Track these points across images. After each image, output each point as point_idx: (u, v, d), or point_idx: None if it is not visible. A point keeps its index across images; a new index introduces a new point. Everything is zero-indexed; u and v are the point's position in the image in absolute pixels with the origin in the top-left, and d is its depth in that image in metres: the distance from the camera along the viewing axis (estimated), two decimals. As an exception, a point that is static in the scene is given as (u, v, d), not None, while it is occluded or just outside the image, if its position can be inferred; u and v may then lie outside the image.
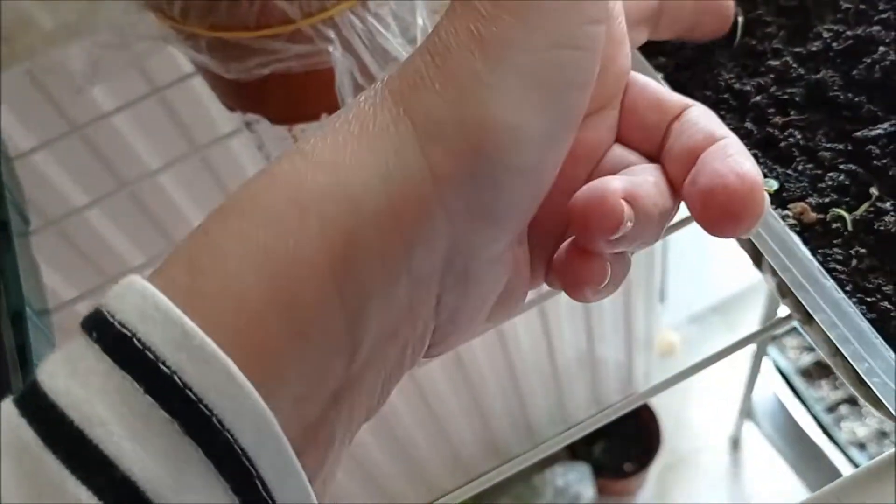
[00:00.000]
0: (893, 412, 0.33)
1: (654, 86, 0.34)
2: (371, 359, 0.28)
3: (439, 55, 0.28)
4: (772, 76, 0.43)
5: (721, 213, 0.29)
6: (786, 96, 0.42)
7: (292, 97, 0.54)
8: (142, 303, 0.25)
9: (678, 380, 0.46)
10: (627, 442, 2.01)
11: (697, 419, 2.07)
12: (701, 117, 0.33)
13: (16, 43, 0.59)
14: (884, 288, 0.37)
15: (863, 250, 0.38)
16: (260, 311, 0.25)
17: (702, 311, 2.16)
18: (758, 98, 0.43)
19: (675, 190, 0.32)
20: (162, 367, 0.24)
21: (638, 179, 0.31)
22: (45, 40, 0.57)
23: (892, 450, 0.37)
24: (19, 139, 0.75)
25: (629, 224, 0.29)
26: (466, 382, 1.44)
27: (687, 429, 2.07)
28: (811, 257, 0.37)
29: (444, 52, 0.28)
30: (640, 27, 0.37)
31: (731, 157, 0.30)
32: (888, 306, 0.37)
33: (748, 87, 0.43)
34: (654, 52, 0.45)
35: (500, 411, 1.63)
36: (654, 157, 0.34)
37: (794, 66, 0.43)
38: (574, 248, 0.31)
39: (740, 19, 0.45)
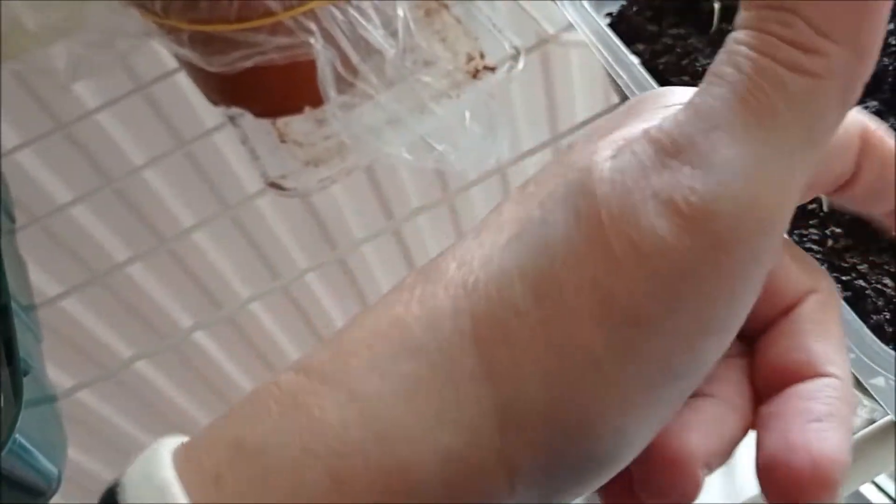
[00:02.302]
0: (868, 388, 0.34)
1: (780, 262, 0.27)
2: None
3: (548, 305, 0.21)
4: (748, 61, 0.44)
5: (776, 490, 0.24)
6: (761, 80, 0.43)
7: (275, 90, 0.55)
8: None
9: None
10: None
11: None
12: (816, 322, 0.26)
13: (3, 43, 0.59)
14: (858, 267, 0.38)
15: (838, 230, 0.39)
16: None
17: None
18: (734, 82, 0.43)
19: (753, 405, 0.26)
20: None
21: (718, 427, 0.25)
22: (32, 40, 0.57)
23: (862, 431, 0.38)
24: (4, 137, 0.75)
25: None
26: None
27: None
28: (787, 237, 0.37)
29: (553, 306, 0.21)
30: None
31: (816, 424, 0.24)
32: (863, 284, 0.37)
33: (725, 72, 0.44)
34: (632, 39, 0.46)
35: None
36: (750, 337, 0.27)
37: (770, 50, 0.44)
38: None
39: (717, 5, 0.45)
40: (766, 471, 0.24)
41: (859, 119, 0.26)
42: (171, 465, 0.22)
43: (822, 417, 0.24)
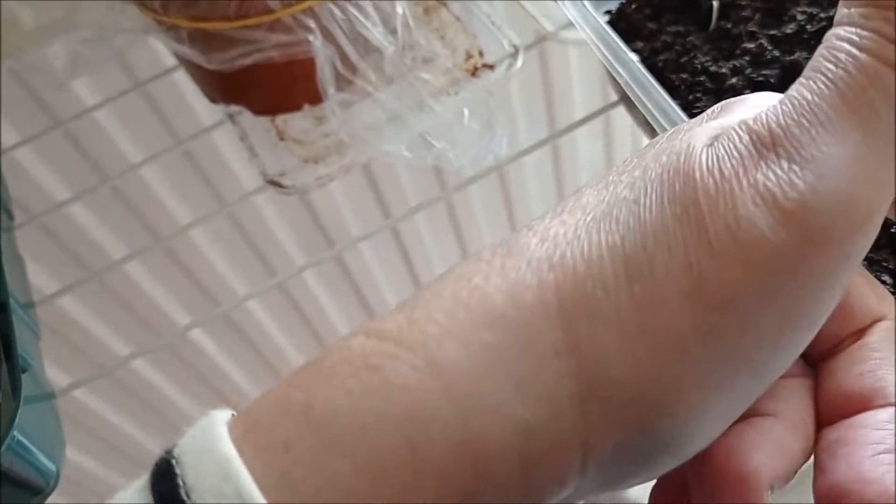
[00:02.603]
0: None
1: (852, 283, 0.26)
2: None
3: (638, 283, 0.21)
4: (747, 58, 0.44)
5: None
6: (761, 78, 0.43)
7: (274, 87, 0.55)
8: (222, 486, 0.20)
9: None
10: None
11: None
12: (886, 350, 0.26)
13: (0, 41, 0.59)
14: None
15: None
16: None
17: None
18: (733, 80, 0.43)
19: (816, 428, 0.26)
20: None
21: (782, 448, 0.25)
22: (30, 38, 0.57)
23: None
24: (2, 135, 0.75)
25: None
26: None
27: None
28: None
29: (643, 284, 0.21)
30: None
31: (887, 457, 0.23)
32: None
33: (724, 70, 0.44)
34: (631, 37, 0.46)
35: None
36: (815, 357, 0.27)
37: (769, 48, 0.44)
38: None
39: (715, 3, 0.45)
40: (833, 498, 0.23)
41: None
42: (228, 438, 0.21)
43: (881, 447, 0.23)
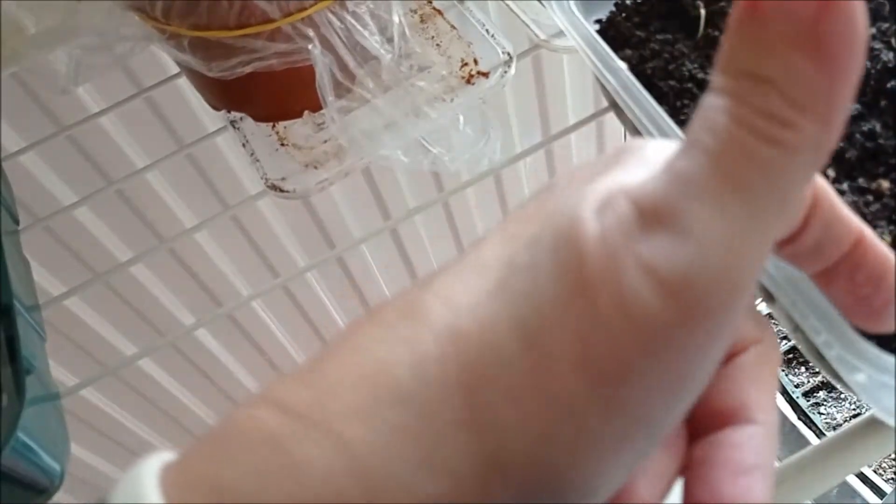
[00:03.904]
0: (845, 381, 0.35)
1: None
2: None
3: (534, 355, 0.21)
4: (733, 66, 0.45)
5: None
6: (747, 85, 0.44)
7: (274, 95, 0.55)
8: None
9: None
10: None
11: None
12: (754, 371, 0.28)
13: (3, 47, 0.59)
14: (840, 266, 0.39)
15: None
16: None
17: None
18: (720, 87, 0.44)
19: (686, 444, 0.27)
20: None
21: (659, 469, 0.27)
22: (31, 44, 0.58)
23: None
24: (8, 140, 0.76)
25: None
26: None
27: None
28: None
29: (539, 356, 0.21)
30: None
31: (744, 478, 0.25)
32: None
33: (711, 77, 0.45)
34: (620, 45, 0.46)
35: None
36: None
37: (755, 55, 0.45)
38: None
39: (703, 11, 0.46)
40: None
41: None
42: (157, 492, 0.22)
43: (749, 470, 0.25)
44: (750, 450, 0.26)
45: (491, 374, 0.21)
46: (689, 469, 0.26)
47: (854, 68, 0.21)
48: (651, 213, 0.21)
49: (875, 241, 0.27)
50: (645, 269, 0.21)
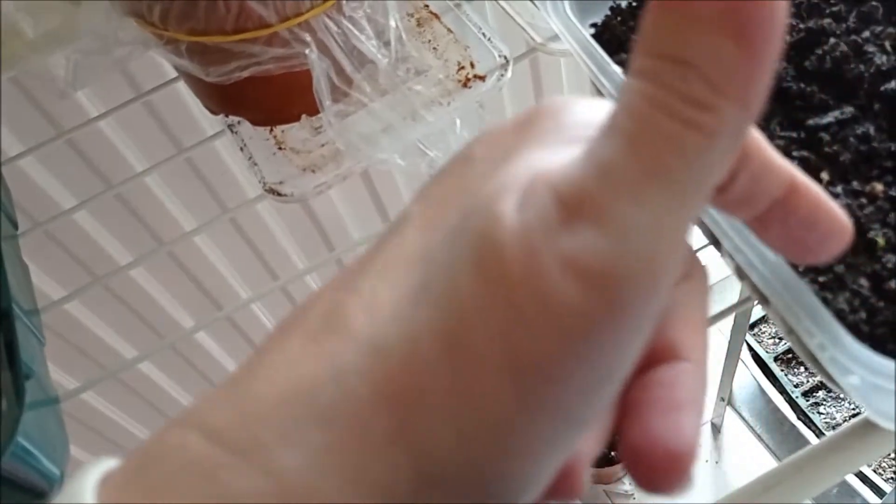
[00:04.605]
0: (839, 383, 0.35)
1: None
2: None
3: (458, 360, 0.21)
4: (728, 69, 0.45)
5: (640, 477, 0.25)
6: (741, 88, 0.44)
7: (271, 99, 0.55)
8: None
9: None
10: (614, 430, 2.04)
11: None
12: (683, 307, 0.28)
13: (2, 51, 0.60)
14: (835, 268, 0.39)
15: (815, 233, 0.39)
16: None
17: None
18: (715, 90, 0.44)
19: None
20: None
21: (599, 432, 0.27)
22: (30, 48, 0.58)
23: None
24: (7, 144, 0.76)
25: None
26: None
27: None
28: (764, 240, 0.38)
29: (463, 361, 0.21)
30: None
31: (674, 415, 0.25)
32: (839, 285, 0.38)
33: (705, 80, 0.45)
34: (616, 49, 0.46)
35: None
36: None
37: (749, 58, 0.45)
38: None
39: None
40: (630, 460, 0.24)
41: None
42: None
43: (680, 406, 0.25)
44: (680, 387, 0.26)
45: (416, 386, 0.21)
46: (621, 413, 0.26)
47: (773, 50, 0.20)
48: (572, 206, 0.21)
49: (807, 185, 0.26)
50: (566, 265, 0.20)
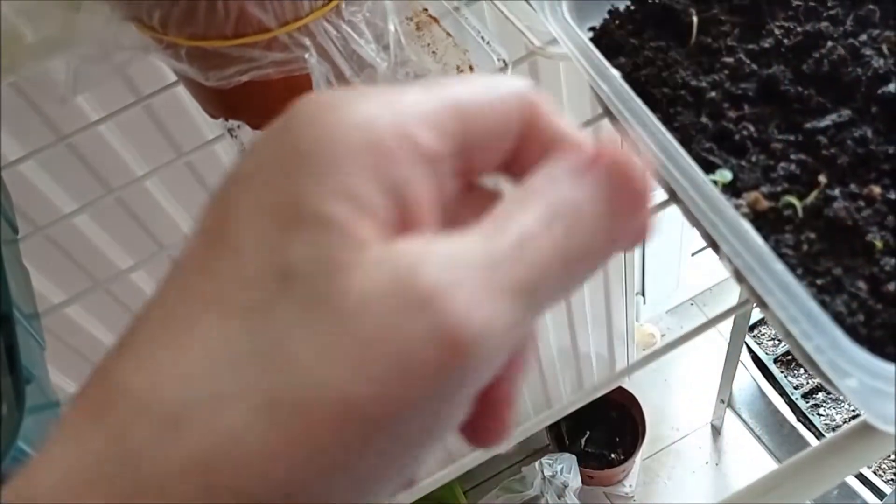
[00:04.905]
0: (837, 385, 0.35)
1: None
2: None
3: (287, 419, 0.20)
4: (726, 72, 0.45)
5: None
6: (739, 91, 0.44)
7: (271, 103, 0.55)
8: None
9: (654, 358, 0.48)
10: (613, 432, 2.04)
11: (680, 408, 2.11)
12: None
13: (2, 56, 0.60)
14: (833, 271, 0.39)
15: (812, 235, 0.40)
16: None
17: (680, 304, 2.20)
18: (713, 94, 0.44)
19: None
20: None
21: None
22: (30, 53, 0.58)
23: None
24: (7, 149, 0.77)
25: None
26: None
27: (670, 418, 2.10)
28: (762, 243, 0.38)
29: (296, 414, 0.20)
30: None
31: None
32: (837, 288, 0.39)
33: (703, 84, 0.45)
34: (614, 53, 0.47)
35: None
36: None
37: (747, 62, 0.45)
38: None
39: (695, 19, 0.47)
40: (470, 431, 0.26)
41: (519, 92, 0.25)
42: None
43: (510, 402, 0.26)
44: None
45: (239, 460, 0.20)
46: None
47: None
48: (443, 284, 0.21)
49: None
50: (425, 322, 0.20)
